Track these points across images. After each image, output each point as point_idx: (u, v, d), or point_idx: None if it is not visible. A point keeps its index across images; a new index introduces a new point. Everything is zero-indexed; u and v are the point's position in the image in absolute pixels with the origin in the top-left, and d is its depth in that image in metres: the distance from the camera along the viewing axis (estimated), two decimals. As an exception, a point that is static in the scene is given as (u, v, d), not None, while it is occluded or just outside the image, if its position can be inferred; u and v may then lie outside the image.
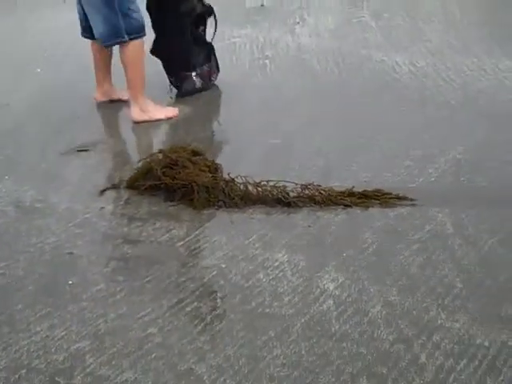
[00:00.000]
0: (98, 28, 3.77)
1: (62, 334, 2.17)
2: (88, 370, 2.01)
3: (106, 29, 3.72)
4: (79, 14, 3.92)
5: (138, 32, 3.76)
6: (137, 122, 3.82)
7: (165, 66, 4.26)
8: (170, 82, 4.28)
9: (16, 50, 5.13)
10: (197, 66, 4.26)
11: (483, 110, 3.77)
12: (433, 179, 3.11)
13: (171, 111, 3.95)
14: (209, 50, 4.36)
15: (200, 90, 4.27)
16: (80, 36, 4.01)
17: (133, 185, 3.11)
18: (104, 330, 2.18)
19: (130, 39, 3.73)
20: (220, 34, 5.24)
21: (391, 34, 5.07)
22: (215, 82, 4.37)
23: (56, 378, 1.98)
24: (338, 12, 5.63)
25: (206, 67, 4.33)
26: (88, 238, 2.73)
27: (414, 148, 3.40)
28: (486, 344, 2.11)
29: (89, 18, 3.81)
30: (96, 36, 3.83)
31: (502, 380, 1.97)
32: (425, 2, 5.67)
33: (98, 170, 3.30)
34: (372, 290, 2.38)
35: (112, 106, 4.08)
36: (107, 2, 3.65)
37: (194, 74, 4.25)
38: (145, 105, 3.84)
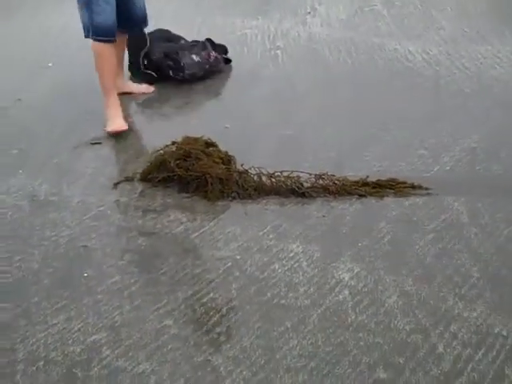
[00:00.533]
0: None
1: (79, 326, 2.17)
2: (105, 362, 2.01)
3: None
4: None
5: (102, 35, 3.55)
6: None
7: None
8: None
9: (27, 46, 5.13)
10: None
11: (498, 97, 3.74)
12: (448, 168, 3.09)
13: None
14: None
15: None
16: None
17: (146, 177, 3.11)
18: (120, 322, 2.19)
19: (95, 39, 3.56)
20: (231, 26, 5.24)
21: (403, 22, 5.02)
22: (227, 74, 4.36)
23: (73, 370, 1.98)
24: (350, 1, 5.58)
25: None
26: (102, 231, 2.73)
27: (428, 137, 3.37)
28: (504, 333, 2.10)
29: None
30: None
31: (521, 369, 1.96)
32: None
33: (111, 162, 3.30)
34: (388, 279, 2.36)
35: (124, 100, 4.07)
36: None
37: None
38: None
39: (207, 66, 4.38)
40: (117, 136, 3.55)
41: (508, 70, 4.07)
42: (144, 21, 3.97)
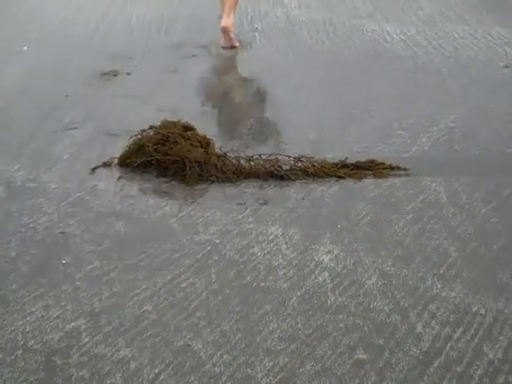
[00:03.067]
0: None
1: (57, 313, 2.16)
2: (84, 349, 2.00)
3: None
4: None
5: None
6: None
7: None
8: None
9: (1, 31, 5.06)
10: None
11: (475, 77, 3.75)
12: (426, 148, 3.10)
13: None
14: None
15: None
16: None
17: (124, 162, 3.08)
18: (99, 309, 2.17)
19: None
20: (209, 8, 5.20)
21: (382, 3, 5.02)
22: (205, 56, 4.33)
23: (52, 358, 1.97)
24: (328, -18, 5.56)
25: None
26: (80, 217, 2.70)
27: (407, 117, 3.38)
28: (482, 312, 2.11)
29: None
30: None
31: (499, 348, 1.97)
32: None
33: (88, 147, 3.27)
34: (367, 261, 2.37)
35: (103, 83, 4.03)
36: None
37: None
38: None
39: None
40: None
41: (485, 50, 4.08)
42: None
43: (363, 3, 5.05)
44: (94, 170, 3.05)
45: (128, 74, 4.17)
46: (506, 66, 3.81)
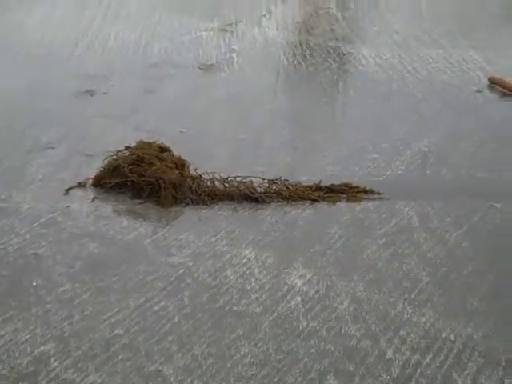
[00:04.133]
0: None
1: (26, 337, 2.14)
2: (52, 374, 1.98)
3: None
4: None
5: None
6: None
7: None
8: None
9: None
10: None
11: (448, 102, 3.80)
12: (399, 172, 3.13)
13: None
14: None
15: None
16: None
17: (99, 183, 3.08)
18: (69, 333, 2.16)
19: None
20: (186, 27, 5.22)
21: (358, 25, 5.08)
22: (182, 77, 4.35)
23: (20, 383, 1.95)
24: (305, 4, 5.62)
25: None
26: (53, 238, 2.69)
27: (381, 141, 3.41)
28: (452, 338, 2.13)
29: None
30: None
31: (468, 374, 1.99)
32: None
33: (63, 168, 3.25)
34: (340, 285, 2.39)
35: (80, 102, 4.02)
36: None
37: None
38: None
39: None
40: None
41: (458, 74, 4.14)
42: None
43: (339, 26, 5.11)
44: (68, 190, 3.03)
45: (105, 93, 4.17)
46: (478, 91, 3.87)
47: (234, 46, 4.88)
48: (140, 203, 2.94)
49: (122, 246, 2.65)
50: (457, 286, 2.39)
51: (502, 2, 5.27)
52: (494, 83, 3.87)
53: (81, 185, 3.07)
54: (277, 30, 5.16)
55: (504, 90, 3.81)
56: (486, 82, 3.94)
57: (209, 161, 3.24)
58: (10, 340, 2.12)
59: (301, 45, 4.81)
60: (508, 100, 3.76)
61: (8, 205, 2.93)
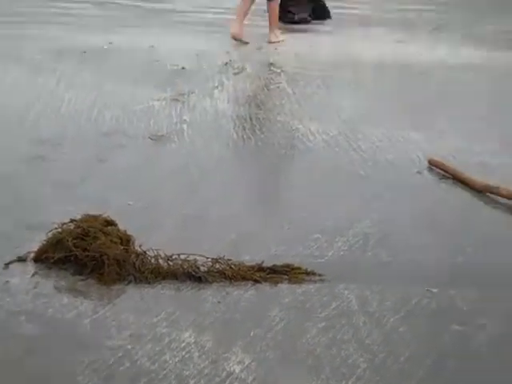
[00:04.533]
0: None
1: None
2: None
3: None
4: None
5: None
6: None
7: None
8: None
9: None
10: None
11: (390, 182, 3.91)
12: (341, 253, 3.19)
13: None
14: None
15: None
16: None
17: (41, 257, 3.05)
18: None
19: None
20: (139, 97, 5.30)
21: (307, 101, 5.22)
22: (131, 147, 4.40)
23: None
24: (257, 78, 5.76)
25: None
26: (-10, 316, 2.65)
27: (324, 220, 3.48)
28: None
29: None
30: None
31: None
32: (338, 70, 5.87)
33: (4, 240, 3.22)
34: (278, 371, 2.40)
35: (28, 169, 4.02)
36: None
37: None
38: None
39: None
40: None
41: (400, 154, 4.28)
42: None
43: (289, 101, 5.24)
44: (7, 265, 3.00)
45: (55, 160, 4.18)
46: (418, 172, 4.00)
47: (185, 117, 4.96)
48: (82, 280, 2.93)
49: (60, 325, 2.62)
50: (393, 372, 2.43)
51: (439, 86, 5.51)
52: (433, 165, 4.01)
53: (21, 259, 3.04)
54: (228, 102, 5.27)
55: (443, 172, 3.95)
56: (425, 163, 4.08)
57: (155, 235, 3.26)
58: None
59: (251, 118, 4.92)
60: (446, 182, 3.90)
61: None
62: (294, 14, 7.71)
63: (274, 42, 6.75)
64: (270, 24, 6.81)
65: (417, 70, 5.81)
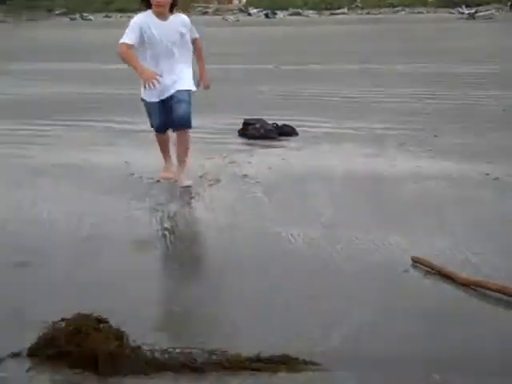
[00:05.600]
0: None
1: None
2: None
3: None
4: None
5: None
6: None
7: None
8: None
9: None
10: None
11: (377, 281, 3.96)
12: (337, 344, 3.20)
13: None
14: None
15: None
16: None
17: (35, 352, 3.00)
18: None
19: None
20: (119, 206, 5.37)
21: (285, 208, 5.34)
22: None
23: None
24: (232, 189, 5.90)
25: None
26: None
27: (317, 315, 3.50)
28: None
29: None
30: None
31: None
32: (312, 181, 6.05)
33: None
34: None
35: (11, 272, 3.99)
36: None
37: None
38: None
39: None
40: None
41: (383, 255, 4.35)
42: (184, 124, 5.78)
43: (267, 208, 5.36)
44: (1, 360, 2.93)
45: (39, 265, 4.17)
46: (405, 271, 4.07)
47: (166, 225, 5.02)
48: (77, 373, 2.86)
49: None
50: None
51: (415, 196, 5.69)
52: (417, 262, 4.11)
53: (15, 355, 2.97)
54: (205, 210, 5.38)
55: (427, 269, 4.05)
56: (410, 262, 4.16)
57: (147, 332, 3.24)
58: None
59: (229, 227, 4.97)
60: (432, 278, 3.99)
61: None
62: (259, 127, 7.73)
63: (186, 186, 5.91)
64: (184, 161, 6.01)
65: (390, 181, 6.02)
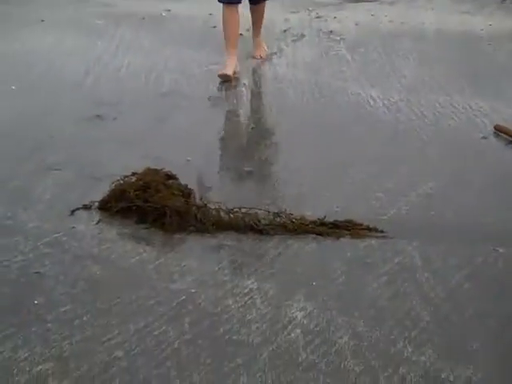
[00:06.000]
0: None
1: (26, 355, 2.13)
2: (50, 393, 1.98)
3: None
4: None
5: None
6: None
7: None
8: None
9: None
10: None
11: (454, 146, 3.83)
12: (403, 212, 3.15)
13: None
14: None
15: None
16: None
17: (105, 206, 3.10)
18: (69, 353, 2.16)
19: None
20: (197, 61, 5.30)
21: (367, 68, 5.13)
22: (190, 107, 4.41)
23: (17, 400, 1.94)
24: (316, 45, 5.69)
25: None
26: (56, 258, 2.70)
27: (386, 180, 3.43)
28: (451, 379, 2.13)
29: None
30: None
31: (466, 415, 1.98)
32: (400, 39, 5.76)
33: (70, 189, 3.28)
34: (340, 320, 2.39)
35: (89, 126, 4.07)
36: None
37: None
38: None
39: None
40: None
41: (464, 120, 4.18)
42: None
43: (349, 67, 5.16)
44: (73, 211, 3.05)
45: (115, 119, 4.22)
46: (484, 138, 3.90)
47: (243, 81, 4.94)
48: (144, 228, 2.96)
49: (124, 269, 2.66)
50: (457, 327, 2.39)
51: (508, 57, 5.34)
52: (500, 131, 3.91)
53: (86, 207, 3.09)
54: (287, 67, 5.23)
55: (510, 138, 3.84)
56: (491, 129, 3.97)
57: (214, 191, 3.27)
58: (10, 357, 2.12)
59: (309, 83, 4.86)
60: (513, 148, 3.80)
61: (13, 223, 2.95)
62: None
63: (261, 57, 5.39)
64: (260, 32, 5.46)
65: (484, 41, 5.64)
